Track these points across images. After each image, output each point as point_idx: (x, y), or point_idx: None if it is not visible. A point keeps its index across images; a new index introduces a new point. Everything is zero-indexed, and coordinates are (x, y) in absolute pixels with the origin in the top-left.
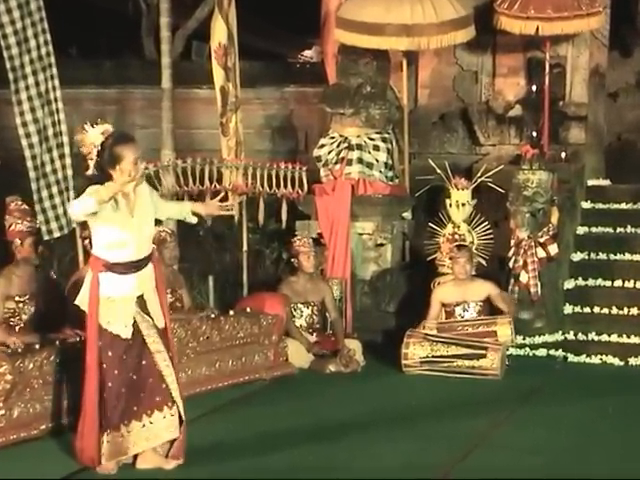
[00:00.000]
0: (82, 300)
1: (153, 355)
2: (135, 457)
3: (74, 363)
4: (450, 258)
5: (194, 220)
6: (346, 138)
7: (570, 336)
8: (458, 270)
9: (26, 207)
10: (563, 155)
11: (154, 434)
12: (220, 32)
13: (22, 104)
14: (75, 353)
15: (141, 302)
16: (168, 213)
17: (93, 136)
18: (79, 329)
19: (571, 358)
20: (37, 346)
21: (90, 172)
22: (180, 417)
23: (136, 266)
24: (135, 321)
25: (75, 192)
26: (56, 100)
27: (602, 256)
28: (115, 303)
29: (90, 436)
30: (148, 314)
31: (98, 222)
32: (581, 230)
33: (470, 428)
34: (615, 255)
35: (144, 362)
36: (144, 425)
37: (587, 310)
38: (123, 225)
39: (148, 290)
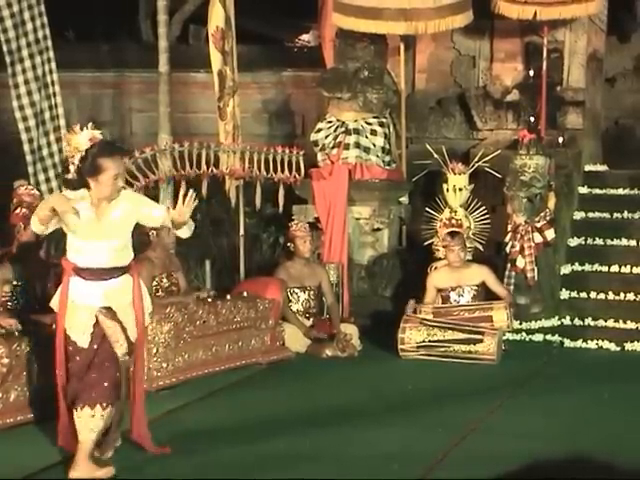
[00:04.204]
0: (54, 302)
1: (113, 354)
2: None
3: None
4: (444, 247)
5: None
6: (343, 122)
7: (566, 321)
8: (453, 258)
9: (36, 192)
10: (560, 140)
11: (79, 428)
12: (217, 16)
13: (19, 87)
14: None
15: (111, 312)
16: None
17: (80, 140)
18: None
19: (567, 343)
20: (34, 330)
21: (70, 176)
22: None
23: (105, 274)
24: (96, 329)
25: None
26: (53, 83)
27: (599, 241)
28: (78, 309)
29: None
30: (120, 323)
31: (65, 228)
32: (578, 215)
33: (466, 413)
34: (612, 240)
35: (96, 360)
36: (79, 417)
37: (583, 295)
38: (87, 233)
39: (120, 303)
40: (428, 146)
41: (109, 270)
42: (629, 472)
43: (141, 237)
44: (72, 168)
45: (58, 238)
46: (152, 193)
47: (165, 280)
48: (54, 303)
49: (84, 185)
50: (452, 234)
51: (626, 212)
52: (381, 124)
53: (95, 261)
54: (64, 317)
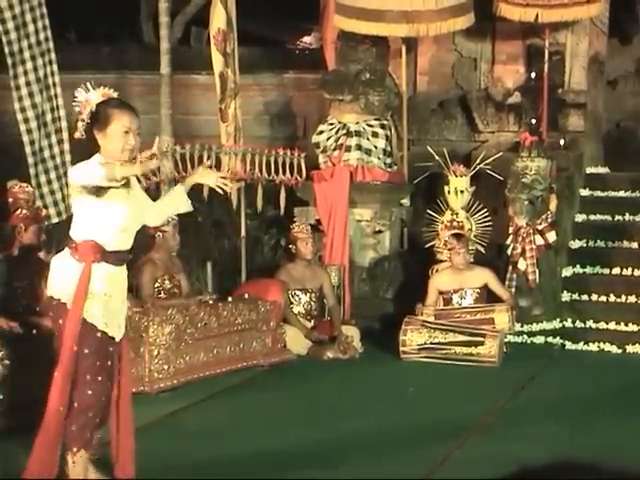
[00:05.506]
0: (63, 293)
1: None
2: None
3: None
4: (450, 250)
5: (190, 208)
6: (345, 124)
7: (568, 323)
8: (459, 261)
9: (30, 188)
10: (562, 142)
11: None
12: (219, 18)
13: (20, 89)
14: None
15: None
16: (163, 212)
17: (92, 95)
18: None
19: (569, 345)
20: (35, 331)
21: (78, 135)
22: None
23: (126, 256)
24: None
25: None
26: (54, 85)
27: (600, 244)
28: (112, 299)
29: (43, 454)
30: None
31: (102, 199)
32: (579, 218)
33: (468, 415)
34: (613, 243)
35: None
36: None
37: (585, 298)
38: (125, 205)
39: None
40: (429, 148)
41: (128, 252)
42: (629, 474)
43: (145, 239)
44: (80, 126)
45: (59, 238)
46: (154, 195)
47: (167, 282)
48: (63, 293)
49: (94, 147)
50: (457, 237)
51: (627, 214)
52: (382, 126)
53: (121, 242)
54: (82, 312)
